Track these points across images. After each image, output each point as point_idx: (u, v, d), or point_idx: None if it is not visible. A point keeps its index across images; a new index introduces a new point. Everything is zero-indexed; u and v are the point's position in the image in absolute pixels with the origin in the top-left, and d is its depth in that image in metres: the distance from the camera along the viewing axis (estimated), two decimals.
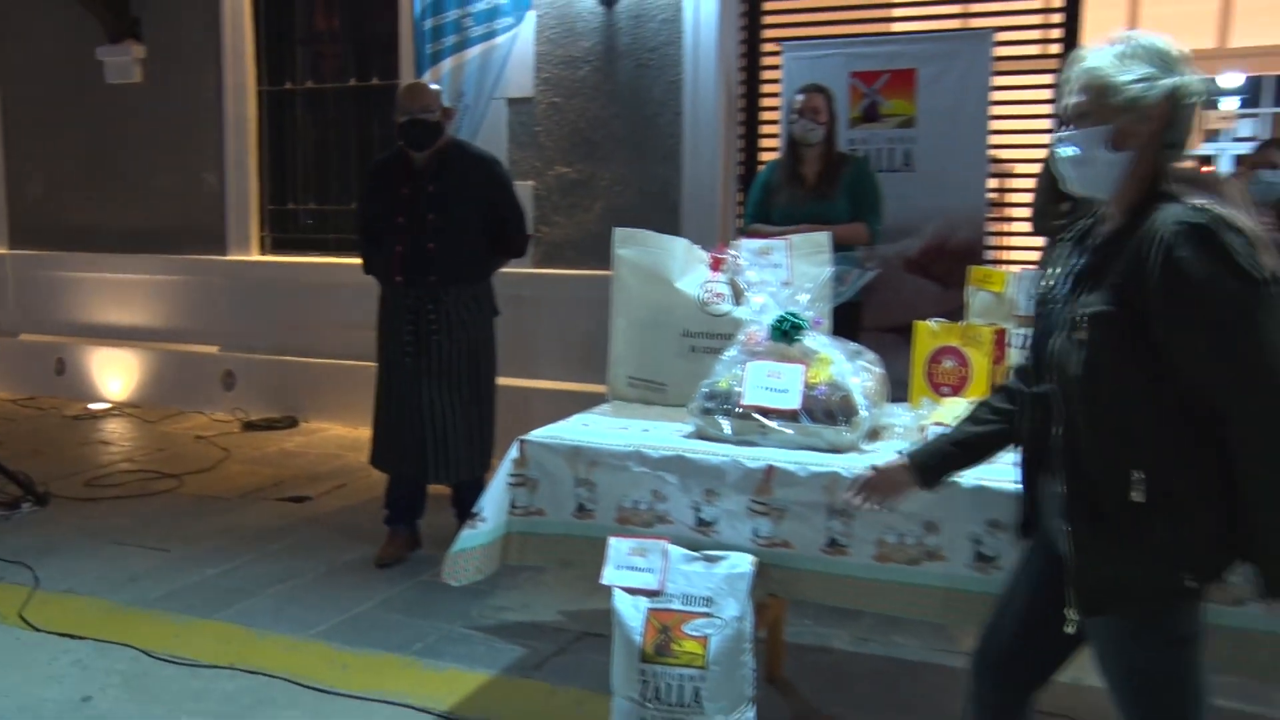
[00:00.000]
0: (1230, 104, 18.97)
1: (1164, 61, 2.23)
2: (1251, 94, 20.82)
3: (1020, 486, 2.56)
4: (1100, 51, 2.27)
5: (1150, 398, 2.21)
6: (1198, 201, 2.16)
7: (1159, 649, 2.31)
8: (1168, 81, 2.21)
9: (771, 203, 5.44)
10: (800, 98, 5.38)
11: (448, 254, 4.95)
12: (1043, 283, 2.49)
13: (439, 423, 5.03)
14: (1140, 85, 2.22)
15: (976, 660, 2.66)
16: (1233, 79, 18.15)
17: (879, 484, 2.75)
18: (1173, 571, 2.23)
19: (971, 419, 2.69)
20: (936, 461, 2.70)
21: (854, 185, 5.36)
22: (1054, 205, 5.41)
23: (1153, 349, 2.19)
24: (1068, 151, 2.31)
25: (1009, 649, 2.59)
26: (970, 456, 2.69)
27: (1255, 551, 2.19)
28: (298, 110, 8.16)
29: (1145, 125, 2.23)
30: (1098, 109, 2.25)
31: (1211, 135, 16.18)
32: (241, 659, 4.05)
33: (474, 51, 6.57)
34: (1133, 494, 2.21)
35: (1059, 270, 2.41)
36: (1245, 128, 20.99)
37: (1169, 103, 2.22)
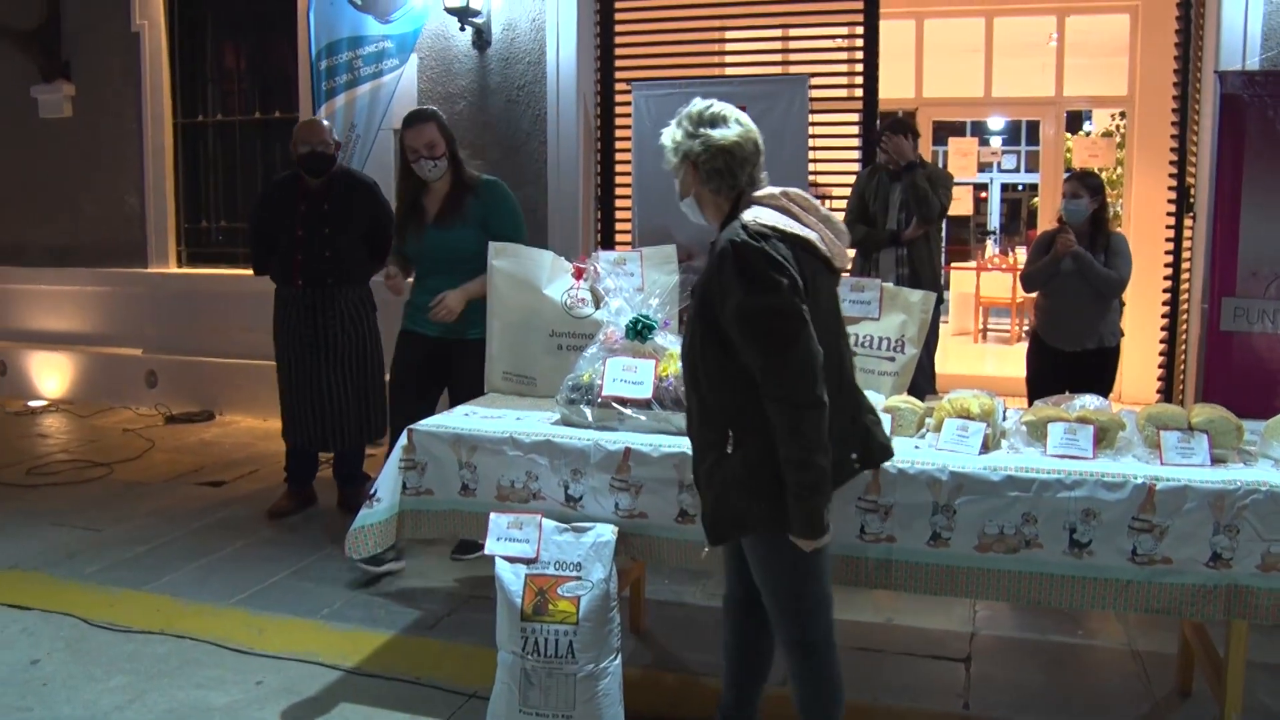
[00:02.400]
0: (996, 142, 19.68)
1: (692, 125, 2.46)
2: (1012, 134, 21.71)
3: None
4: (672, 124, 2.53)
5: (731, 374, 2.41)
6: (747, 219, 2.36)
7: (775, 555, 2.49)
8: (685, 144, 2.46)
9: (401, 238, 4.54)
10: (408, 132, 4.27)
11: (340, 261, 5.03)
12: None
13: (334, 402, 5.08)
14: (671, 148, 2.50)
15: (727, 600, 2.87)
16: (996, 122, 18.84)
17: None
18: (765, 504, 2.41)
19: None
20: None
21: (485, 214, 4.35)
22: (859, 223, 5.50)
23: (725, 337, 2.39)
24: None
25: (743, 584, 2.75)
26: None
27: (789, 491, 2.38)
28: (209, 140, 7.99)
29: (688, 174, 2.48)
30: (672, 169, 2.52)
31: (984, 167, 16.77)
32: (170, 625, 3.94)
33: (364, 89, 6.45)
34: (728, 447, 2.44)
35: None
36: (1009, 161, 21.89)
37: (689, 158, 2.46)
